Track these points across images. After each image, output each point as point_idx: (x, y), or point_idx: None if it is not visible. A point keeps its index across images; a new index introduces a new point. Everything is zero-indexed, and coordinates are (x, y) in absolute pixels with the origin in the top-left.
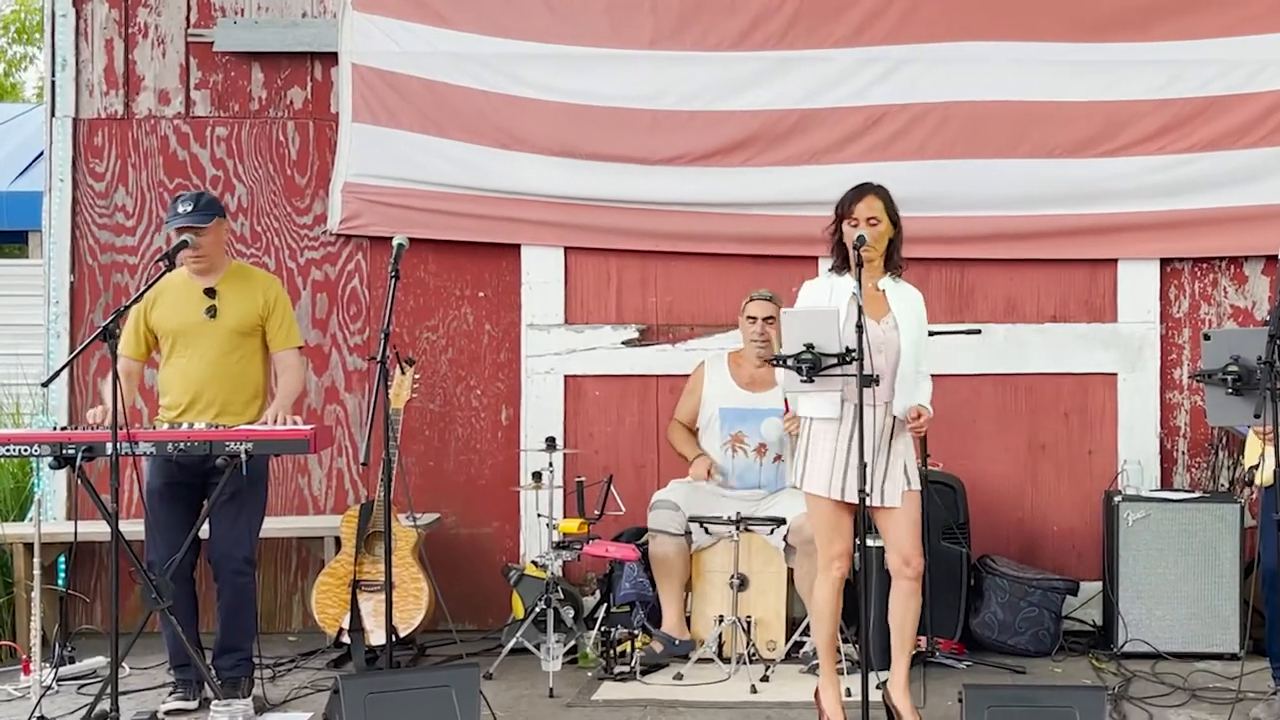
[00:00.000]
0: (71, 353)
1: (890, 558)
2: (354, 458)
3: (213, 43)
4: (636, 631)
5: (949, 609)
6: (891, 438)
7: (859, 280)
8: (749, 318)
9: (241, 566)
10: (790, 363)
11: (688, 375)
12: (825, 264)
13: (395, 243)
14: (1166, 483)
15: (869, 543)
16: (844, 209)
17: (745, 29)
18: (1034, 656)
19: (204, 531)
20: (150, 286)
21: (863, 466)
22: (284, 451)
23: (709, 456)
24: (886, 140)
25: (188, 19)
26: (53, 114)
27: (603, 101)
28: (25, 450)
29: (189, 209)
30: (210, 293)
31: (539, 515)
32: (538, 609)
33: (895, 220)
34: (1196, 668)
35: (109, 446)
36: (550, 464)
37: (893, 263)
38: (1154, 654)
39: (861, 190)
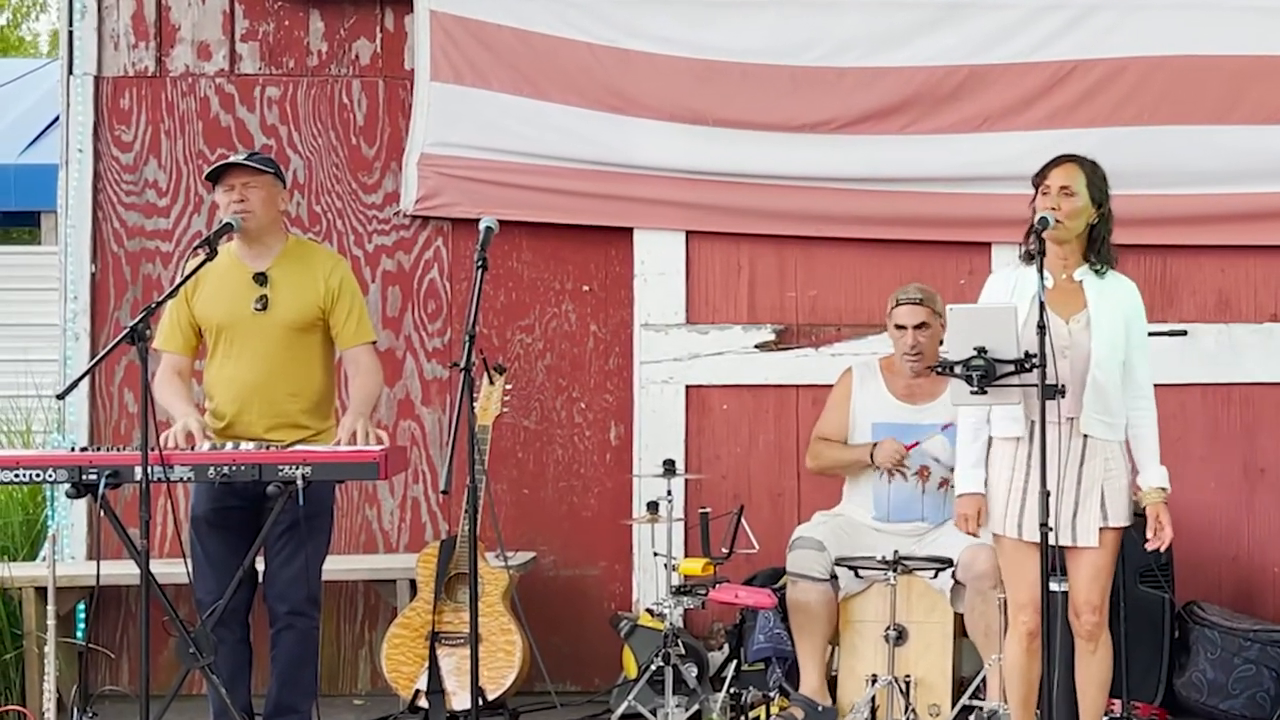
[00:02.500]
0: (93, 358)
1: (1072, 609)
2: (433, 485)
3: None
4: (772, 694)
5: (1148, 667)
6: (1083, 461)
7: (1041, 269)
8: (897, 326)
9: (302, 607)
10: (958, 370)
11: (833, 385)
12: (1000, 251)
13: (482, 226)
14: None
15: (1055, 587)
16: (1038, 176)
17: None
18: None
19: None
20: (187, 279)
21: (1045, 495)
22: (349, 477)
23: (889, 438)
24: (1072, 102)
25: None
26: (70, 71)
27: (733, 57)
28: (37, 476)
29: (241, 157)
30: (261, 279)
31: (655, 554)
32: (654, 666)
33: (1099, 199)
34: None
35: (137, 471)
36: (669, 492)
37: (1098, 253)
38: None
39: (1064, 157)
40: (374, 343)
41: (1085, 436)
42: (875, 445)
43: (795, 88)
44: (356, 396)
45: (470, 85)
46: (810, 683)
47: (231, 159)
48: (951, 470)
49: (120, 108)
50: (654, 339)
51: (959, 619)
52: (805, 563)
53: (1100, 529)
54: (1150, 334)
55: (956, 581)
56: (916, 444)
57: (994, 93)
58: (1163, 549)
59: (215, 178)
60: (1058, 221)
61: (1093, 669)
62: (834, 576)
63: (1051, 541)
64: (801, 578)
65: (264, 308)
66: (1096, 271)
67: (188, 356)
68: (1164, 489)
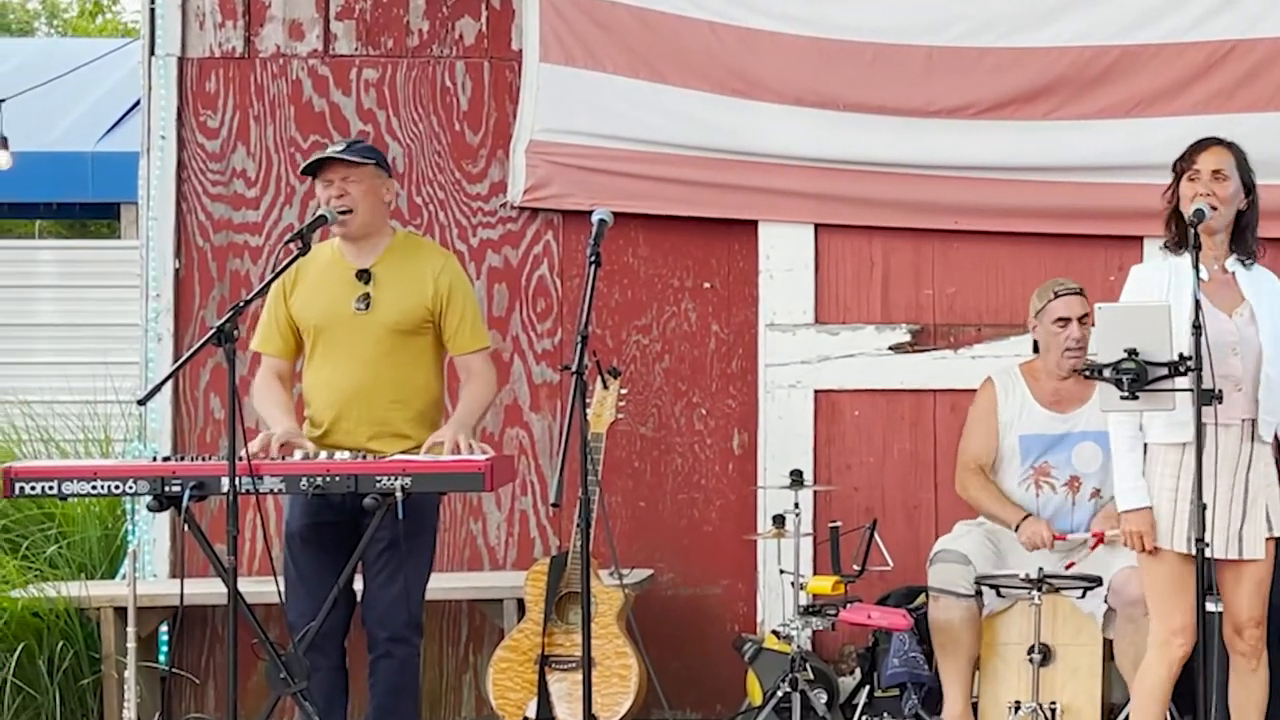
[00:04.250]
0: (177, 360)
1: (1225, 627)
2: (542, 497)
3: None
4: None
5: None
6: (1250, 466)
7: (1196, 264)
8: (1059, 320)
9: (403, 633)
10: (1107, 374)
11: (974, 390)
12: (1152, 245)
13: (595, 218)
14: None
15: (1211, 607)
16: (1184, 161)
17: None
18: None
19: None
20: (276, 276)
21: (1201, 507)
22: (452, 489)
23: (1041, 519)
24: (1232, 85)
25: None
26: (152, 52)
27: (865, 36)
28: (117, 487)
29: (339, 148)
30: (364, 276)
31: (782, 572)
32: (780, 693)
33: (1249, 186)
34: None
35: (224, 482)
36: (796, 505)
37: (1244, 244)
38: None
39: (1208, 140)
40: (489, 348)
41: (1255, 440)
42: (1025, 518)
43: (931, 69)
44: (463, 406)
45: (583, 67)
46: (954, 708)
47: (329, 151)
48: (1101, 481)
49: (206, 91)
50: (780, 340)
51: (1109, 643)
52: (949, 577)
53: (1266, 539)
54: None
55: (1109, 607)
56: (1066, 537)
57: (1146, 75)
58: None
59: (312, 171)
60: (1214, 209)
61: (1254, 689)
62: (979, 593)
63: (1219, 555)
64: (945, 594)
65: (366, 307)
66: (1243, 264)
67: (288, 359)
68: None
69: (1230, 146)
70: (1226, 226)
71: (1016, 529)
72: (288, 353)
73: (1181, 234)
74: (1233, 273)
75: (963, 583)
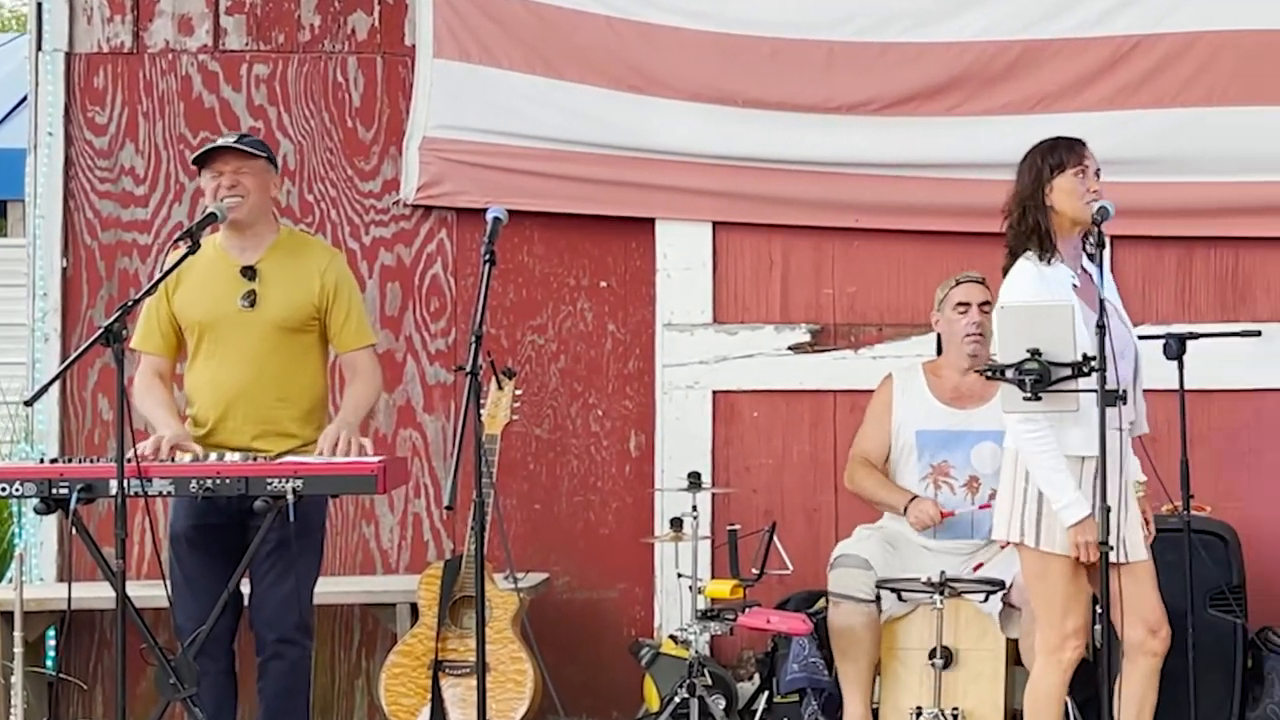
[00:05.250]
0: (64, 361)
1: (1130, 628)
2: (436, 500)
3: None
4: None
5: (1218, 700)
6: (1123, 470)
7: (1102, 265)
8: (959, 305)
9: (292, 634)
10: (1010, 374)
11: (873, 392)
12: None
13: (490, 216)
14: None
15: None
16: (1067, 154)
17: None
18: None
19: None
20: (167, 274)
21: (1105, 510)
22: (345, 491)
23: (927, 498)
24: (1136, 81)
25: None
26: (39, 47)
27: (765, 31)
28: (3, 490)
29: (231, 139)
30: (249, 273)
31: (679, 575)
32: (677, 698)
33: None
34: None
35: (112, 484)
36: (694, 508)
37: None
38: None
39: (1073, 138)
40: (374, 346)
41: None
42: (912, 500)
43: (832, 65)
44: (348, 403)
45: (477, 63)
46: (854, 715)
47: (220, 141)
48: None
49: (94, 87)
50: (678, 340)
51: (1012, 646)
52: (850, 583)
53: (1145, 537)
54: (1221, 335)
55: (1008, 604)
56: (954, 514)
57: (1050, 70)
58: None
59: (201, 162)
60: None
61: (1149, 697)
62: (879, 598)
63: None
64: (846, 599)
65: (252, 305)
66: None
67: (169, 358)
68: (1141, 481)
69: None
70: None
71: (905, 511)
72: (168, 351)
73: (1041, 241)
74: (1090, 273)
75: (863, 588)
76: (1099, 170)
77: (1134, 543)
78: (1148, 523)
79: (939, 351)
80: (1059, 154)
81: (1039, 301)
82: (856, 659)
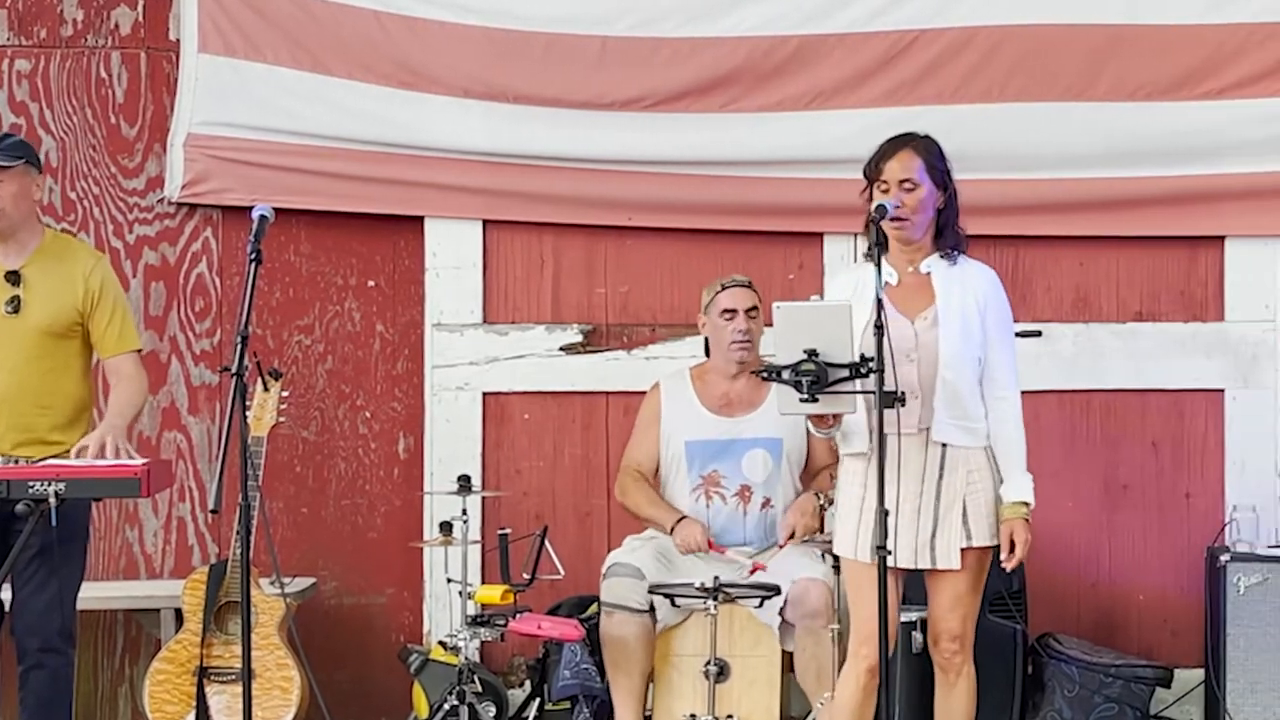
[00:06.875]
0: None
1: (931, 637)
2: (201, 503)
3: None
4: None
5: (998, 706)
6: (942, 474)
7: (879, 264)
8: (725, 312)
9: (55, 642)
10: (786, 375)
11: (646, 393)
12: (832, 243)
13: (256, 215)
14: None
15: (907, 617)
16: (872, 169)
17: None
18: None
19: (6, 595)
20: None
21: (883, 514)
22: (107, 494)
23: (698, 521)
24: (915, 77)
25: None
26: None
27: (537, 26)
28: None
29: None
30: (13, 278)
31: (449, 580)
32: (447, 706)
33: (943, 183)
34: None
35: None
36: (464, 511)
37: (944, 240)
38: None
39: (895, 144)
40: (140, 351)
41: (944, 446)
42: (679, 521)
43: (605, 61)
44: (114, 407)
45: (243, 58)
46: None
47: None
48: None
49: None
50: (447, 340)
51: (788, 655)
52: (622, 592)
53: (962, 549)
54: None
55: (785, 620)
56: (724, 550)
57: (826, 66)
58: (1009, 568)
59: None
60: (897, 207)
61: (952, 704)
62: (654, 608)
63: (906, 565)
64: (618, 609)
65: (16, 310)
66: (948, 260)
67: None
68: (1024, 503)
69: (916, 147)
70: (923, 227)
71: (671, 531)
72: None
73: (876, 233)
74: (929, 274)
75: (636, 597)
76: (909, 180)
77: (942, 551)
78: (1013, 545)
79: (708, 354)
80: (873, 164)
81: (815, 302)
82: (629, 670)
